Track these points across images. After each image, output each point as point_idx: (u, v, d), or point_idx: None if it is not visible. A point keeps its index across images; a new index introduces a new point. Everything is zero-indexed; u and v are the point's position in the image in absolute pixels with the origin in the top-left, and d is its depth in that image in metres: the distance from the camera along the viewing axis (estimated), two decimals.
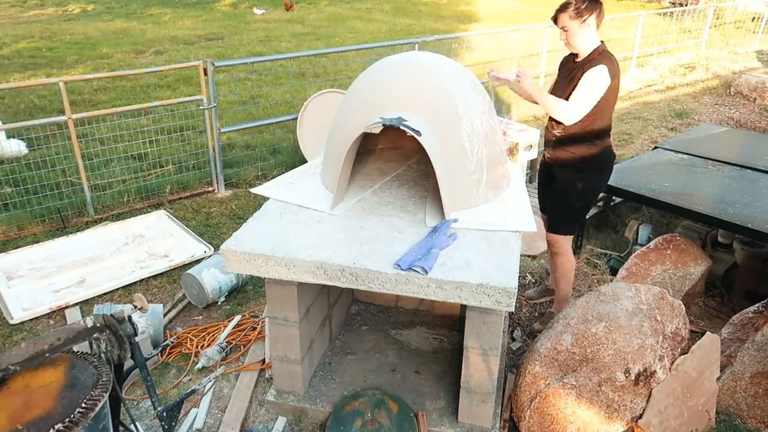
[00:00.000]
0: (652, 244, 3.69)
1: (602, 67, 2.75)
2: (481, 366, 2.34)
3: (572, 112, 2.83)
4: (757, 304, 3.01)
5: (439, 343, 3.06)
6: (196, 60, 5.16)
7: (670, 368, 2.53)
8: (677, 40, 10.83)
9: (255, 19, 13.72)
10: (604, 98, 2.81)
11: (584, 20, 2.76)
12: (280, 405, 2.71)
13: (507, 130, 3.04)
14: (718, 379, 2.71)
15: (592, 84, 2.77)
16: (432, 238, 2.25)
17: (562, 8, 2.80)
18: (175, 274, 3.87)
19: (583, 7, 2.75)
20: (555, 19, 2.85)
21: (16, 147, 5.43)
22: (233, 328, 3.31)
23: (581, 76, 2.80)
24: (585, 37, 2.81)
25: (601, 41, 2.86)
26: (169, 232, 4.37)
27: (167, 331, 3.35)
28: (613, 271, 3.87)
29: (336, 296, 3.07)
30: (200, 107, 4.96)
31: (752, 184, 3.88)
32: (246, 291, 3.75)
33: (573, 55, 2.94)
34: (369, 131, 2.34)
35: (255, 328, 3.31)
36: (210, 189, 5.14)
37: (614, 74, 2.78)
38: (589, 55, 2.83)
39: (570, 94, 2.85)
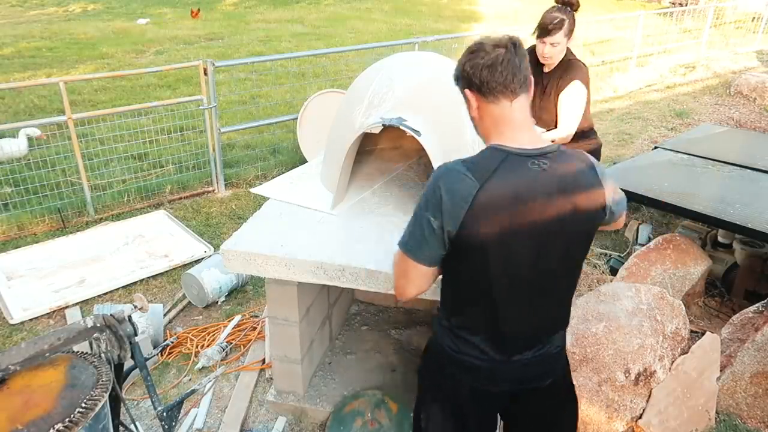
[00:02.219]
0: (652, 244, 3.69)
1: (577, 83, 2.84)
2: None
3: (568, 130, 2.91)
4: (757, 304, 3.01)
5: None
6: (196, 60, 5.16)
7: (670, 368, 2.54)
8: (677, 40, 10.83)
9: (255, 19, 13.72)
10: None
11: (571, 38, 2.82)
12: (280, 405, 2.71)
13: None
14: (718, 379, 2.71)
15: (576, 101, 2.87)
16: None
17: (558, 25, 2.79)
18: (175, 274, 3.87)
19: (573, 22, 2.81)
20: (547, 34, 2.81)
21: (16, 147, 5.40)
22: (233, 328, 3.31)
23: (554, 88, 2.90)
24: (565, 51, 2.88)
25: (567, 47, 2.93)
26: (169, 232, 4.37)
27: (167, 331, 3.35)
28: (613, 271, 3.86)
29: (336, 296, 3.07)
30: (200, 107, 4.96)
31: (752, 184, 3.88)
32: (246, 291, 3.75)
33: (539, 63, 2.94)
34: (369, 131, 2.34)
35: (255, 328, 3.31)
36: (210, 189, 5.14)
37: (587, 83, 2.88)
38: (559, 64, 2.89)
39: (540, 104, 2.95)
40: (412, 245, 1.50)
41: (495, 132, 1.49)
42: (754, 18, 11.72)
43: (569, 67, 2.86)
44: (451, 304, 1.62)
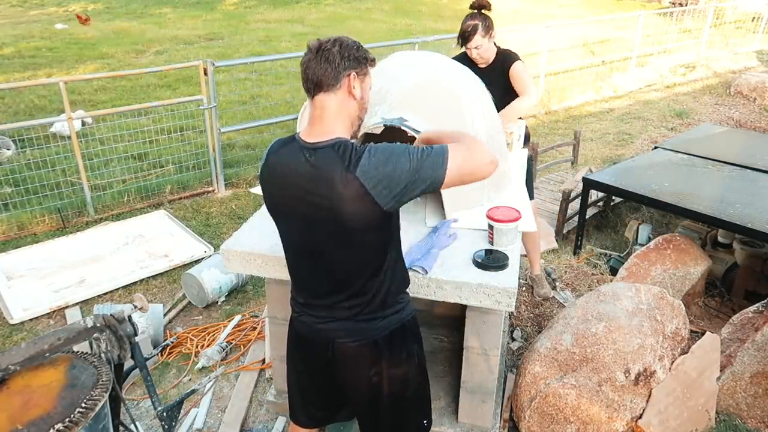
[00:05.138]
0: (652, 244, 3.69)
1: (519, 62, 3.16)
2: (481, 366, 2.34)
3: (533, 98, 3.17)
4: (757, 304, 3.01)
5: (439, 343, 3.06)
6: (196, 60, 5.16)
7: (670, 368, 2.54)
8: (677, 40, 10.83)
9: (255, 19, 13.72)
10: None
11: (491, 35, 3.10)
12: (280, 405, 2.70)
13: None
14: (718, 379, 2.71)
15: (526, 74, 3.18)
16: (432, 238, 2.25)
17: (473, 31, 3.05)
18: (175, 274, 3.87)
19: (487, 24, 3.07)
20: (466, 41, 3.10)
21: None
22: (233, 328, 3.31)
23: (500, 79, 3.15)
24: (492, 48, 3.16)
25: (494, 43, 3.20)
26: (169, 232, 4.37)
27: (167, 331, 3.35)
28: (613, 271, 3.87)
29: None
30: (200, 107, 4.96)
31: (752, 184, 3.88)
32: (246, 291, 3.75)
33: (472, 63, 3.20)
34: (370, 131, 2.34)
35: (255, 328, 3.31)
36: (210, 189, 5.14)
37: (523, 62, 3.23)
38: (495, 59, 3.19)
39: (499, 96, 3.18)
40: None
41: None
42: (754, 18, 11.73)
43: (505, 57, 3.18)
44: None
